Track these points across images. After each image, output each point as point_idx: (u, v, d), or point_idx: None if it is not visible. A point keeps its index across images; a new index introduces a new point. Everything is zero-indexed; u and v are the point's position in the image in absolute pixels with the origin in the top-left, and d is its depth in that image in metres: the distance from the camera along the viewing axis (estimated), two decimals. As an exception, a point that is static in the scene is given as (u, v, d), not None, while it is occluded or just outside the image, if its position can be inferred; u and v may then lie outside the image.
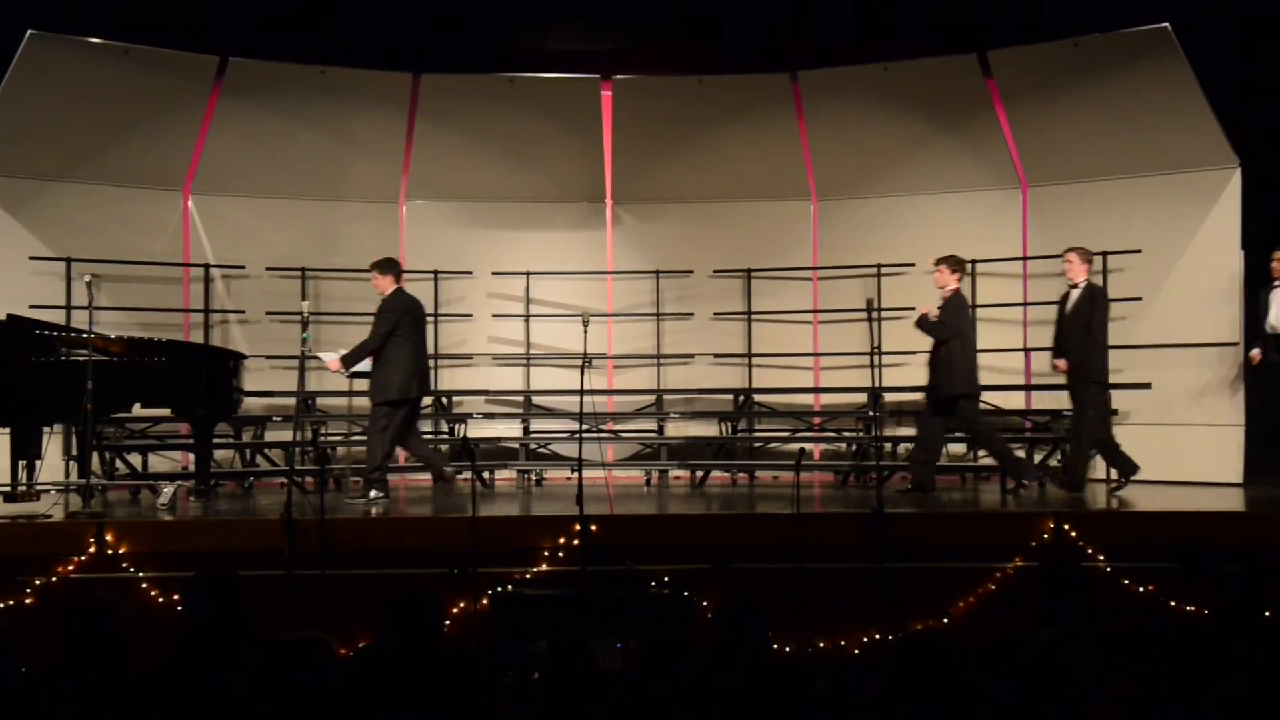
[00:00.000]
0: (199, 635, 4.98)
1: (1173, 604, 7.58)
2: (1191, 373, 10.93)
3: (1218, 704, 4.01)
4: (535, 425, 12.36)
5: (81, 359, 8.78)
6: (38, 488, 9.02)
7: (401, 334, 9.43)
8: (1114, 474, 10.15)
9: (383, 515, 8.91)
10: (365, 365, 9.60)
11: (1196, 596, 7.29)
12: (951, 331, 9.78)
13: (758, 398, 12.42)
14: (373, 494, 9.45)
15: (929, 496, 9.74)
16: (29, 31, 10.65)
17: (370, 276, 9.73)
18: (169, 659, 4.75)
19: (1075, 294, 9.90)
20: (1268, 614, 4.72)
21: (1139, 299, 11.15)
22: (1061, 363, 9.99)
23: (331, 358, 9.66)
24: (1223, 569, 4.68)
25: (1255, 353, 10.32)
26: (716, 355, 12.78)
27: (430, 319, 12.39)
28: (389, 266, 9.70)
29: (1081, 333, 9.72)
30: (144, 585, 7.64)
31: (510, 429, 12.42)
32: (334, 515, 8.25)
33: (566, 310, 12.61)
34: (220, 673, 4.49)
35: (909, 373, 11.98)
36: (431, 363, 12.33)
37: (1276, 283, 10.11)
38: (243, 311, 12.08)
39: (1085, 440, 9.91)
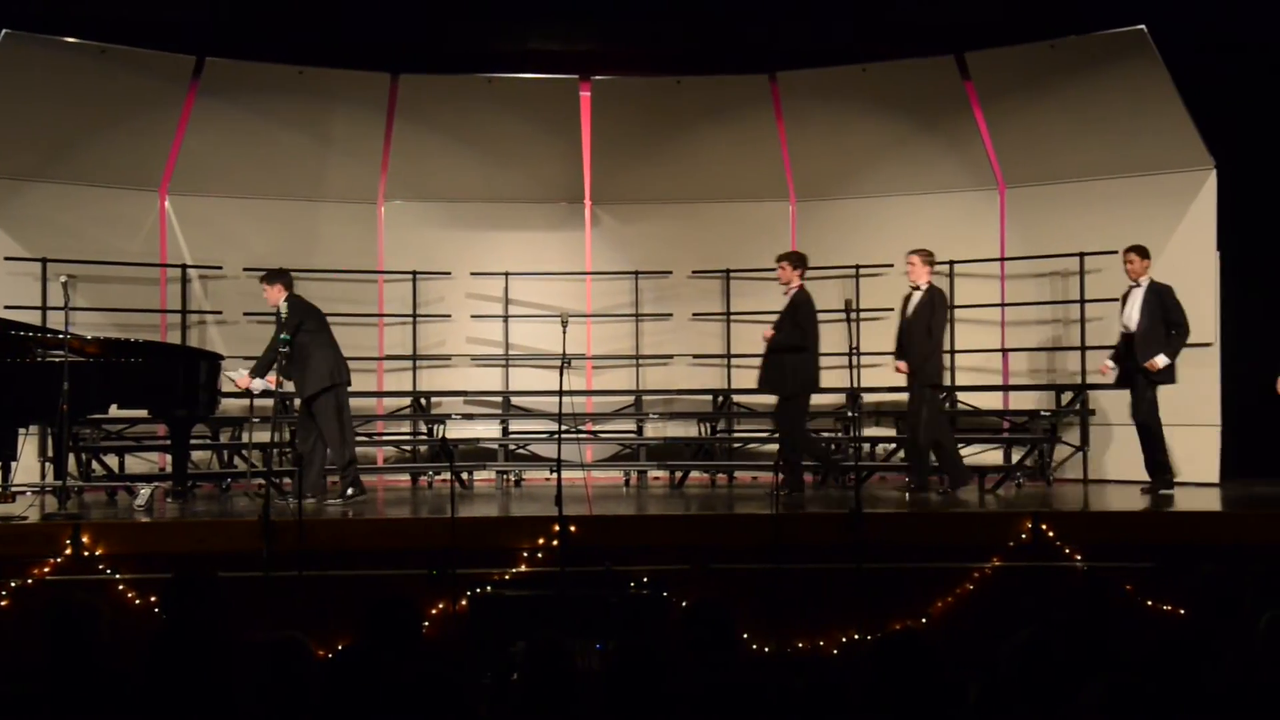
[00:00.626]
0: (177, 637, 4.96)
1: (1150, 603, 7.62)
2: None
3: (1196, 702, 4.03)
4: (514, 426, 12.35)
5: (57, 360, 8.73)
6: (13, 489, 8.98)
7: (309, 330, 9.46)
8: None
9: (361, 516, 8.89)
10: (271, 382, 9.61)
11: (1174, 596, 7.33)
12: (800, 337, 9.81)
13: (736, 398, 12.43)
14: (349, 492, 9.43)
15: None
16: (3, 31, 10.58)
17: (262, 290, 9.79)
18: (147, 661, 4.73)
19: (917, 296, 9.97)
20: (1245, 614, 4.74)
21: (1116, 299, 11.17)
22: (902, 365, 10.01)
23: (241, 374, 9.67)
24: (1203, 569, 4.70)
25: (1107, 364, 10.19)
26: (695, 356, 12.79)
27: (409, 319, 12.44)
28: (278, 276, 9.77)
29: (922, 335, 9.75)
30: (121, 587, 7.60)
31: (489, 430, 12.40)
32: (312, 516, 8.23)
33: (545, 311, 12.60)
34: (198, 674, 4.47)
35: (887, 373, 11.99)
36: (410, 363, 12.36)
37: (1133, 284, 10.10)
38: (220, 312, 12.03)
39: (923, 442, 9.95)
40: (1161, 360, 9.76)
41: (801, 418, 10.12)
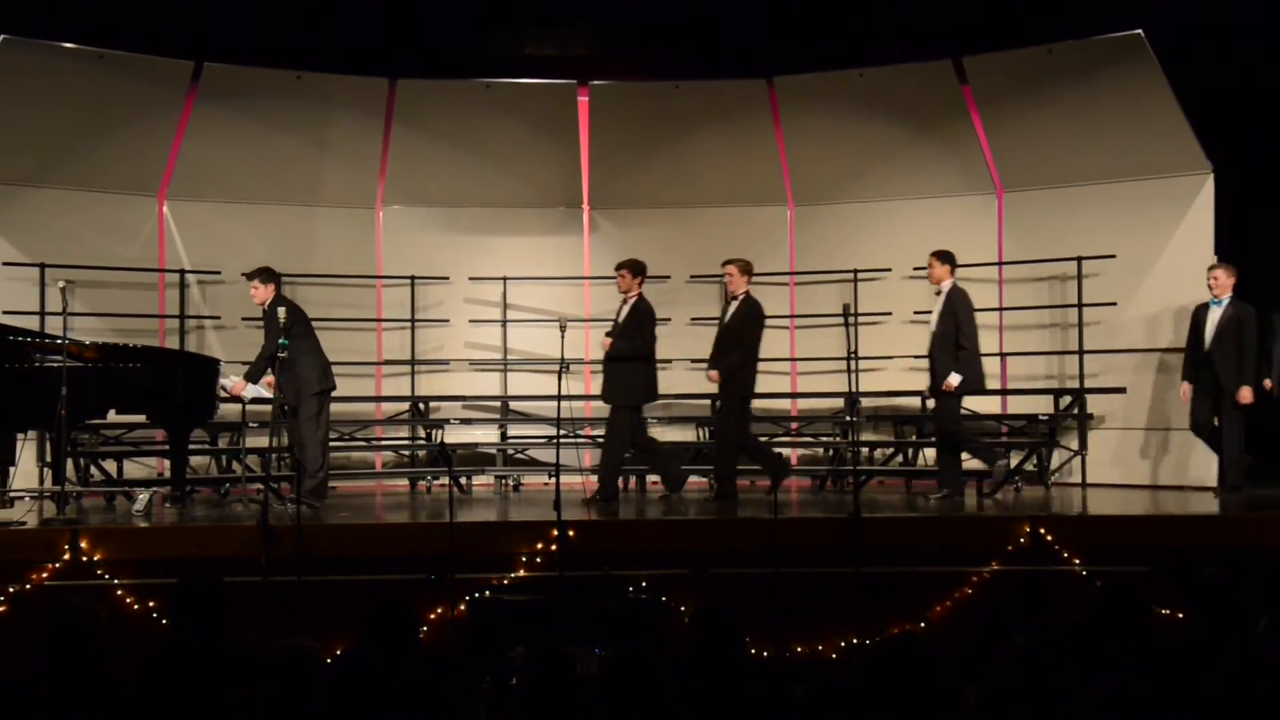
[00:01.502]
0: (181, 642, 4.96)
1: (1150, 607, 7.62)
2: (1166, 377, 10.97)
3: (1195, 706, 4.03)
4: (513, 430, 12.33)
5: (56, 365, 8.73)
6: (11, 495, 8.98)
7: (298, 334, 9.42)
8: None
9: (359, 521, 8.88)
10: (265, 390, 9.59)
11: (1172, 600, 7.33)
12: (642, 346, 9.85)
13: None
14: (310, 501, 9.23)
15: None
16: (2, 36, 10.59)
17: (251, 287, 9.78)
18: (148, 667, 4.73)
19: (734, 306, 9.96)
20: (1244, 617, 4.74)
21: (1114, 304, 11.21)
22: (714, 374, 9.96)
23: (234, 381, 9.66)
24: (1202, 572, 4.70)
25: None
26: (694, 360, 12.75)
27: (407, 324, 12.44)
28: (270, 275, 9.77)
29: (735, 344, 9.69)
30: (119, 592, 7.60)
31: (488, 434, 12.39)
32: (311, 521, 8.22)
33: (544, 315, 12.59)
34: (200, 681, 4.47)
35: (886, 378, 12.04)
36: (408, 368, 12.35)
37: (936, 291, 10.05)
38: (219, 317, 12.03)
39: (729, 450, 10.00)
40: (954, 380, 9.72)
41: (627, 429, 10.02)
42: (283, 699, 3.97)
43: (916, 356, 10.95)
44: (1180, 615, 7.14)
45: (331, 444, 11.73)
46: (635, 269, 10.10)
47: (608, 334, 10.07)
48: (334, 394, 9.95)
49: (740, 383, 9.92)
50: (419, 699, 3.90)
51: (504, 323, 12.65)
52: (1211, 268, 10.02)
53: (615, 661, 4.14)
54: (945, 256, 9.99)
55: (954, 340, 9.74)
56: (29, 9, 10.90)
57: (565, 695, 4.11)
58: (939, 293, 9.97)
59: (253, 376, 9.56)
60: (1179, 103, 10.75)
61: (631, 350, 9.84)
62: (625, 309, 10.10)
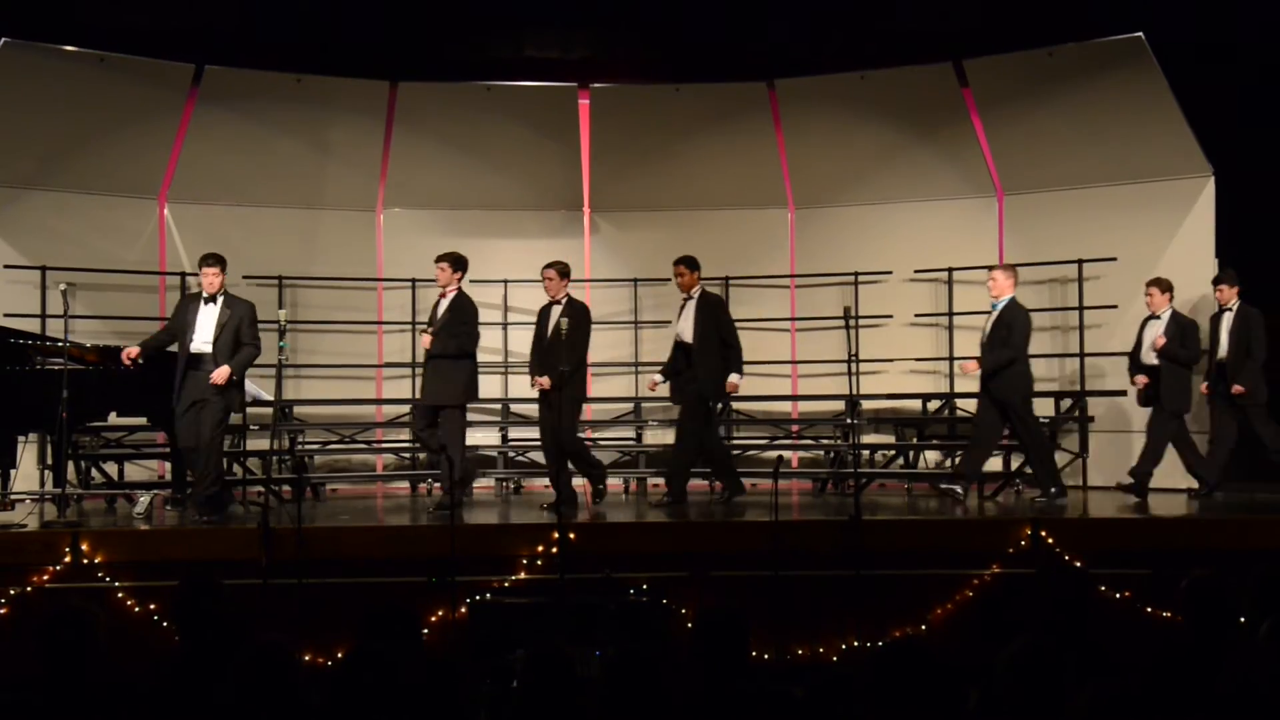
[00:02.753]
0: (186, 645, 4.96)
1: (1148, 610, 7.63)
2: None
3: (1193, 709, 4.03)
4: (514, 433, 12.33)
5: (57, 368, 8.74)
6: (12, 497, 8.98)
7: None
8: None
9: (360, 524, 8.88)
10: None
11: (1171, 602, 7.33)
12: (467, 342, 9.54)
13: (735, 405, 12.41)
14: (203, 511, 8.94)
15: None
16: (3, 39, 10.60)
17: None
18: (150, 669, 4.73)
19: (556, 310, 9.73)
20: (1241, 620, 4.74)
21: (1114, 307, 11.21)
22: (544, 380, 9.62)
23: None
24: (1195, 574, 4.70)
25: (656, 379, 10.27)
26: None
27: (408, 327, 12.45)
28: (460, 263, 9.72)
29: (567, 349, 9.49)
30: (120, 595, 7.61)
31: (489, 437, 12.39)
32: (311, 524, 8.23)
33: (544, 318, 12.58)
34: (202, 682, 4.47)
35: (886, 380, 12.04)
36: (409, 370, 12.35)
37: (686, 298, 10.06)
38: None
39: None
40: (734, 379, 9.86)
41: (463, 430, 9.62)
42: (262, 696, 3.97)
43: (921, 359, 10.96)
44: (1179, 619, 7.15)
45: (333, 446, 11.80)
46: (456, 263, 9.65)
47: (425, 330, 9.63)
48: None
49: (577, 385, 9.70)
50: (420, 701, 3.90)
51: (505, 325, 12.66)
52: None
53: (616, 663, 4.14)
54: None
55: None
56: (31, 12, 10.92)
57: (566, 697, 4.11)
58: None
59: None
60: (1180, 105, 10.76)
61: (457, 348, 9.45)
62: (444, 303, 9.61)
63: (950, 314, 12.05)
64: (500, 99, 12.29)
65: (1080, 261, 11.25)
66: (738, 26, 12.09)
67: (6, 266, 11.08)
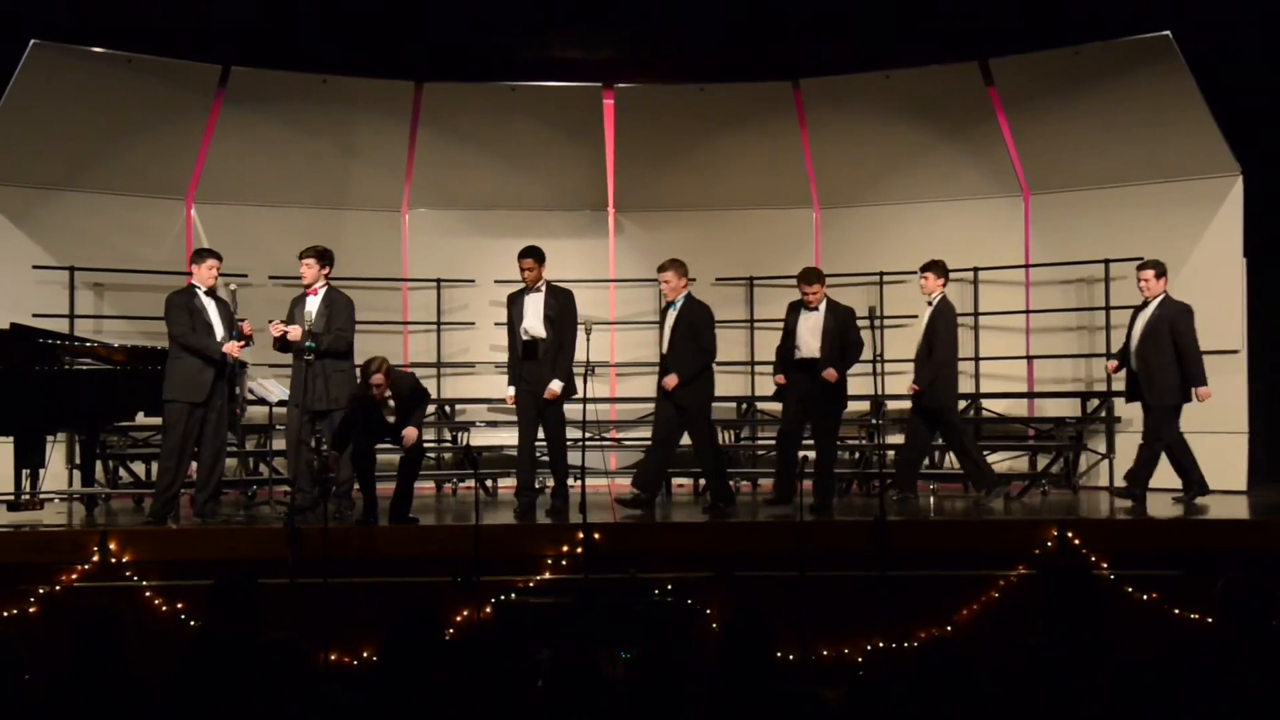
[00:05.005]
0: (214, 642, 4.99)
1: (1176, 612, 7.58)
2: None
3: (1216, 707, 4.00)
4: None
5: (85, 368, 8.78)
6: (41, 496, 9.03)
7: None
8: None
9: (386, 523, 8.90)
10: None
11: (1200, 604, 7.29)
12: (340, 342, 9.15)
13: (760, 405, 12.40)
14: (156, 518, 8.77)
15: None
16: (32, 41, 10.67)
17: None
18: (177, 667, 4.76)
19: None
20: (1274, 622, 4.71)
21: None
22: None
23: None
24: (1226, 576, 4.67)
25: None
26: (719, 363, 12.73)
27: (433, 327, 12.47)
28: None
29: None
30: (148, 594, 7.65)
31: (513, 437, 12.36)
32: (337, 524, 8.25)
33: (569, 318, 12.59)
34: (232, 680, 4.50)
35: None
36: (434, 370, 12.37)
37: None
38: (245, 319, 12.05)
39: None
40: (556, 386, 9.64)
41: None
42: (278, 692, 3.99)
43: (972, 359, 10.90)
44: (1209, 620, 7.12)
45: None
46: (321, 257, 9.17)
47: (308, 330, 9.02)
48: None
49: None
50: (444, 700, 3.91)
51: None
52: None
53: (640, 664, 4.15)
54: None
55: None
56: (59, 15, 10.99)
57: (591, 697, 4.11)
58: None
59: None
60: (1207, 104, 10.70)
61: (332, 346, 9.09)
62: (316, 301, 9.19)
63: (976, 314, 12.00)
64: (525, 99, 12.31)
65: (1107, 261, 11.19)
66: (762, 26, 12.08)
67: (35, 267, 11.15)
